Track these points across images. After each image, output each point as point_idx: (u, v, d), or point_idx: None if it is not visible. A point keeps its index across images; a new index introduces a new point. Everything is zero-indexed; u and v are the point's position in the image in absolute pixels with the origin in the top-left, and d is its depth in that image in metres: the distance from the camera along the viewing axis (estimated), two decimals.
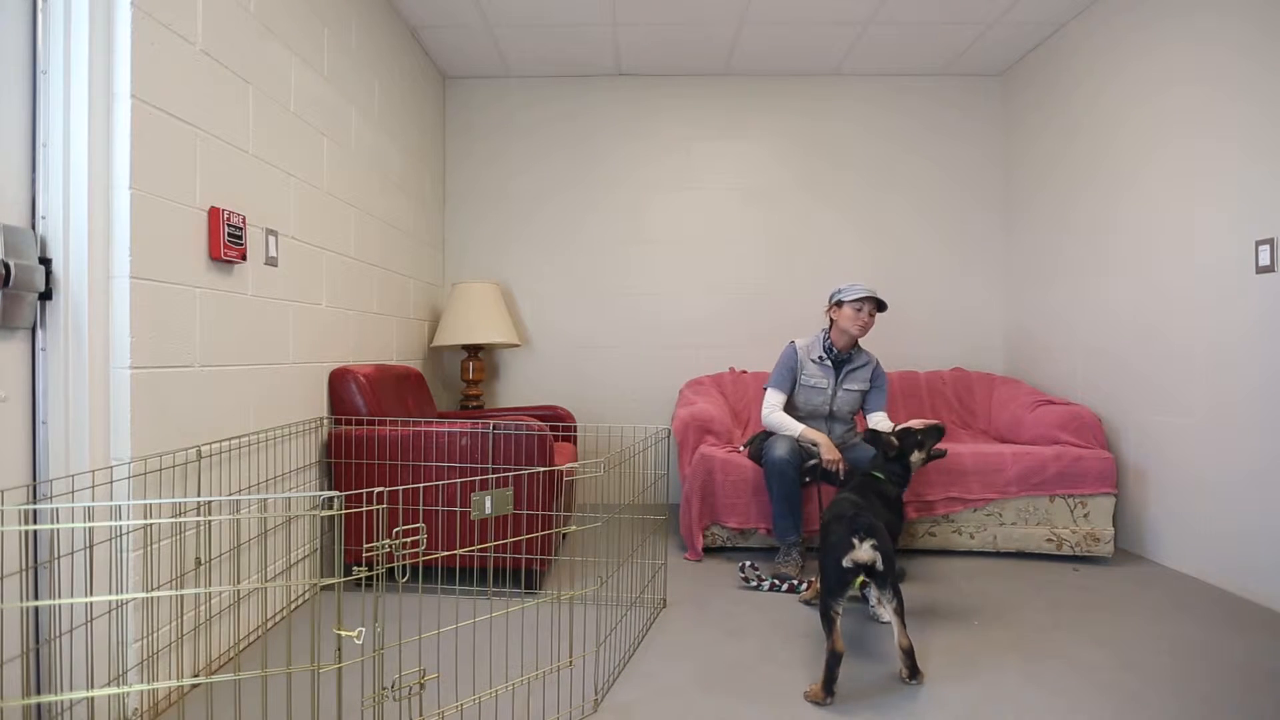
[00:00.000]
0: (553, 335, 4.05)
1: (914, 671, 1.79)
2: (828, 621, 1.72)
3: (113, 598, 1.53)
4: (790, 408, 2.86)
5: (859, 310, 2.69)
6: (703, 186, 4.04)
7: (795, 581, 2.50)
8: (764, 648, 2.04)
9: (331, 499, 1.15)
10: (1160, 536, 2.84)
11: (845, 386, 2.81)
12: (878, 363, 2.88)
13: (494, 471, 2.36)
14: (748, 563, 2.58)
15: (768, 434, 2.87)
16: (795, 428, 2.72)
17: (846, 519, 1.83)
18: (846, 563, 1.74)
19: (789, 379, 2.83)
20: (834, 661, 1.69)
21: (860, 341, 2.85)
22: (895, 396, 3.68)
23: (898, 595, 1.77)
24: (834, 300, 2.77)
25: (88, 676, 1.50)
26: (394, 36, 3.26)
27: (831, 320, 2.80)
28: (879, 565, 1.75)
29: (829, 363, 2.80)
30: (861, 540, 1.75)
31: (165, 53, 1.72)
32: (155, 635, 1.67)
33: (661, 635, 2.13)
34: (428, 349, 3.77)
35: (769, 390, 2.85)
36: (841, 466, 2.61)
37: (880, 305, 2.72)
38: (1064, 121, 3.44)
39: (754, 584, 2.53)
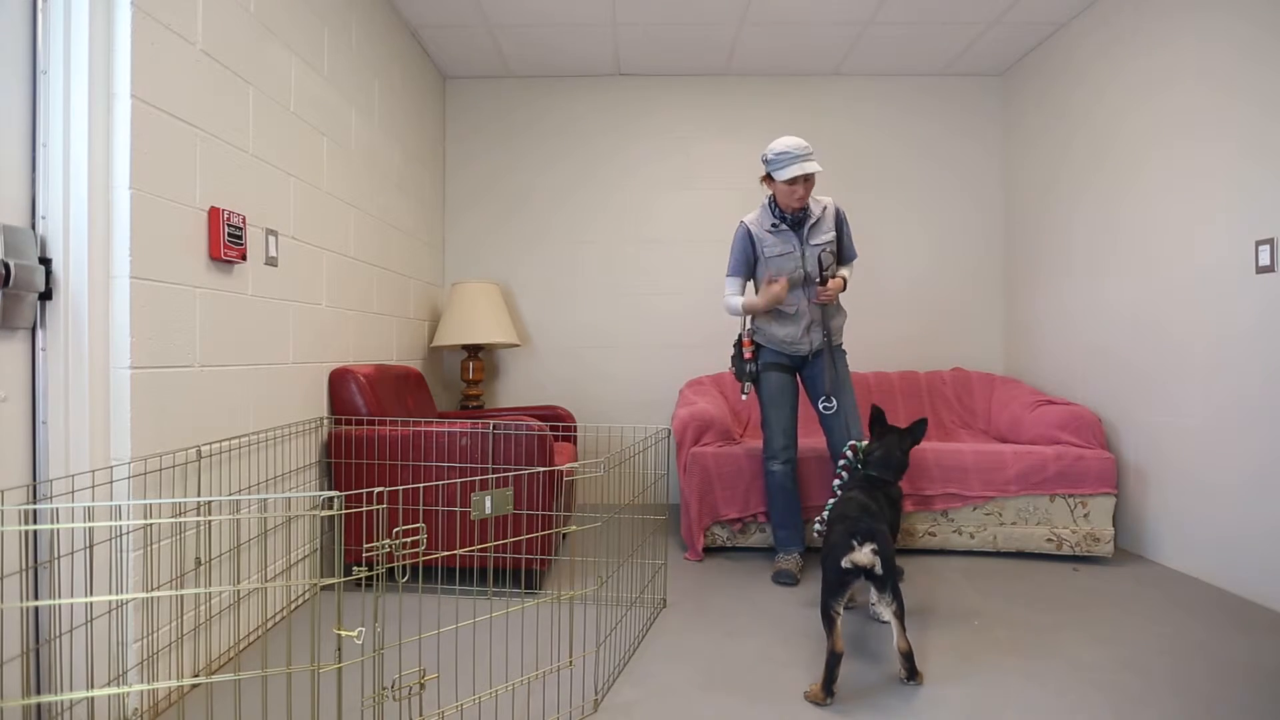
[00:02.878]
0: (553, 335, 4.05)
1: (912, 673, 1.79)
2: (828, 621, 1.72)
3: (113, 598, 1.53)
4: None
5: (792, 186, 2.45)
6: (703, 186, 4.04)
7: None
8: (764, 648, 2.04)
9: (331, 499, 1.15)
10: (1160, 536, 2.84)
11: (811, 243, 2.58)
12: (835, 207, 2.64)
13: (494, 471, 2.36)
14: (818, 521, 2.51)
15: (756, 366, 2.71)
16: (741, 301, 2.63)
17: (849, 520, 1.83)
18: (845, 564, 1.74)
19: (744, 263, 2.66)
20: (834, 662, 1.69)
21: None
22: (895, 396, 3.69)
23: (898, 598, 1.76)
24: (765, 171, 2.51)
25: (88, 676, 1.50)
26: (394, 36, 3.26)
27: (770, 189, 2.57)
28: (878, 569, 1.74)
29: (785, 227, 2.58)
30: (861, 544, 1.75)
31: (165, 53, 1.72)
32: (155, 635, 1.67)
33: (661, 635, 2.13)
34: (428, 349, 3.77)
35: (728, 280, 2.70)
36: (782, 284, 2.48)
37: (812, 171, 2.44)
38: (1064, 121, 3.44)
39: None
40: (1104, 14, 3.14)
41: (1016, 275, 3.89)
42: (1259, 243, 2.37)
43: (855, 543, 1.75)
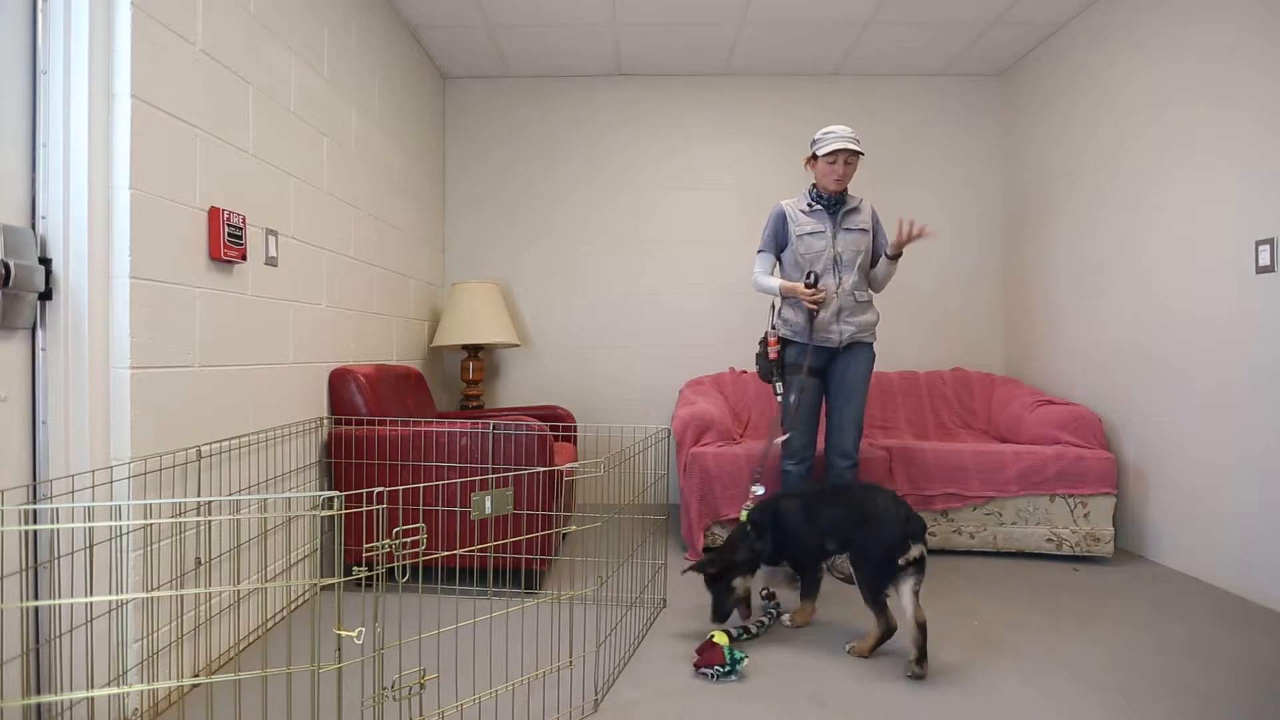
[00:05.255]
0: (553, 335, 4.05)
1: (923, 656, 1.86)
2: (878, 605, 1.97)
3: (113, 598, 1.53)
4: (795, 266, 2.68)
5: (833, 163, 2.54)
6: (703, 186, 4.04)
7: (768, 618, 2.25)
8: (764, 648, 2.04)
9: (331, 499, 1.16)
10: (1160, 536, 2.84)
11: (845, 226, 2.63)
12: (872, 207, 2.73)
13: (494, 471, 2.36)
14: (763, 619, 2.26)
15: (782, 365, 2.69)
16: (776, 283, 2.66)
17: (902, 519, 1.95)
18: (901, 561, 1.91)
19: (774, 240, 2.71)
20: (887, 635, 1.96)
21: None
22: (895, 396, 3.69)
23: (873, 602, 2.00)
24: (811, 153, 2.64)
25: (88, 676, 1.50)
26: (394, 36, 3.26)
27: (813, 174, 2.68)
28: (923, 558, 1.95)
29: (820, 208, 2.64)
30: (914, 543, 1.92)
31: (165, 53, 1.72)
32: (155, 635, 1.67)
33: (661, 635, 2.13)
34: (428, 349, 3.77)
35: (758, 255, 2.75)
36: (821, 298, 2.52)
37: (856, 151, 2.55)
38: (1063, 121, 3.44)
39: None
40: (1104, 14, 3.14)
41: (1016, 275, 3.89)
42: (1259, 243, 2.37)
43: (910, 542, 1.93)
